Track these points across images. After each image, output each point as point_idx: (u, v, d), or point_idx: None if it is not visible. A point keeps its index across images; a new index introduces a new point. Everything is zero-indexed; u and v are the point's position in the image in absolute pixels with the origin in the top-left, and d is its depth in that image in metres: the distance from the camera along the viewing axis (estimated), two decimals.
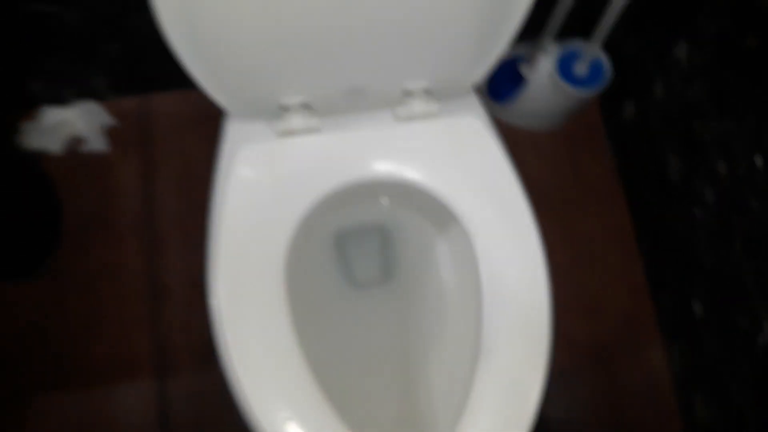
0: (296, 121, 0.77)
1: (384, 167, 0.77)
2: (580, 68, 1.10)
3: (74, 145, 1.26)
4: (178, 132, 1.29)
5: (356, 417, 0.71)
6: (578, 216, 1.27)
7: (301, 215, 0.75)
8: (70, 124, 1.25)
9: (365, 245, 0.99)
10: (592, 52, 1.08)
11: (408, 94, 0.78)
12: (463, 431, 0.65)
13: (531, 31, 0.94)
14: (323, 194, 0.76)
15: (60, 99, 1.23)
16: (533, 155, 1.29)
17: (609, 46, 1.10)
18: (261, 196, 0.75)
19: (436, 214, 0.82)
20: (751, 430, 0.94)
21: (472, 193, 0.76)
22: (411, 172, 0.77)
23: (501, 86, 1.21)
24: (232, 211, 0.74)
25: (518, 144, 0.91)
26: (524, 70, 1.15)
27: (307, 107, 0.77)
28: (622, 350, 1.19)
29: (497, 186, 0.76)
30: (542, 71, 1.12)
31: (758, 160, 0.84)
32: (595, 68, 1.11)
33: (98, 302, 1.19)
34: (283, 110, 0.77)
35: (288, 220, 0.74)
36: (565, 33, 1.09)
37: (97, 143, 1.27)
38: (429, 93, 0.78)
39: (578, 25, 1.08)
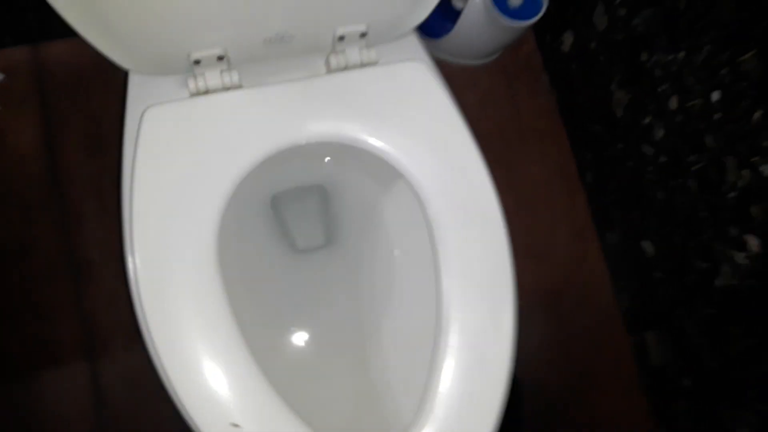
0: (211, 77, 0.66)
1: (318, 125, 0.68)
2: None
3: None
4: (80, 85, 1.14)
5: (305, 400, 0.65)
6: (520, 157, 1.22)
7: (227, 185, 0.65)
8: None
9: (304, 207, 0.91)
10: None
11: (341, 40, 0.68)
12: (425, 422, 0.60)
13: None
14: (250, 161, 0.66)
15: None
16: (471, 94, 1.22)
17: None
18: (176, 166, 0.64)
19: (381, 171, 0.74)
20: (706, 371, 0.95)
21: (420, 148, 0.68)
22: (350, 129, 0.68)
23: (433, 21, 1.11)
24: (145, 184, 0.63)
25: (454, 82, 0.84)
26: (457, 2, 1.06)
27: (223, 60, 0.66)
28: (571, 294, 1.17)
29: (447, 139, 0.68)
30: (476, 2, 1.04)
31: (715, 95, 0.79)
32: None
33: (10, 287, 1.07)
34: (195, 65, 0.65)
35: (212, 191, 0.65)
36: None
37: None
38: (365, 38, 0.68)
39: None
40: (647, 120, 0.98)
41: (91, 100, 1.13)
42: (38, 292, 1.08)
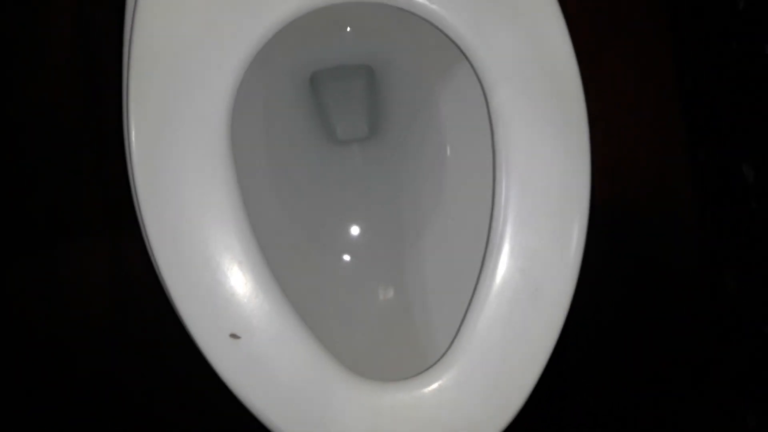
0: None
1: None
2: None
3: None
4: None
5: (325, 312, 0.55)
6: (609, 50, 1.04)
7: (246, 45, 0.53)
8: None
9: (347, 89, 0.77)
10: None
11: None
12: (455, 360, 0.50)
13: None
14: (278, 18, 0.53)
15: None
16: None
17: None
18: (187, 12, 0.52)
19: (439, 48, 0.60)
20: None
21: (491, 20, 0.53)
22: None
23: None
24: (147, 33, 0.52)
25: None
26: None
27: None
28: (648, 215, 1.03)
29: (532, 20, 0.53)
30: None
31: None
32: None
33: (31, 151, 1.00)
34: None
35: (228, 51, 0.52)
36: None
37: None
38: None
39: None
40: None
41: None
42: (63, 159, 1.01)
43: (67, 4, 1.02)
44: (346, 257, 0.70)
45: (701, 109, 0.99)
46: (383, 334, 0.62)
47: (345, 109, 0.78)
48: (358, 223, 0.72)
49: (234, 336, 0.50)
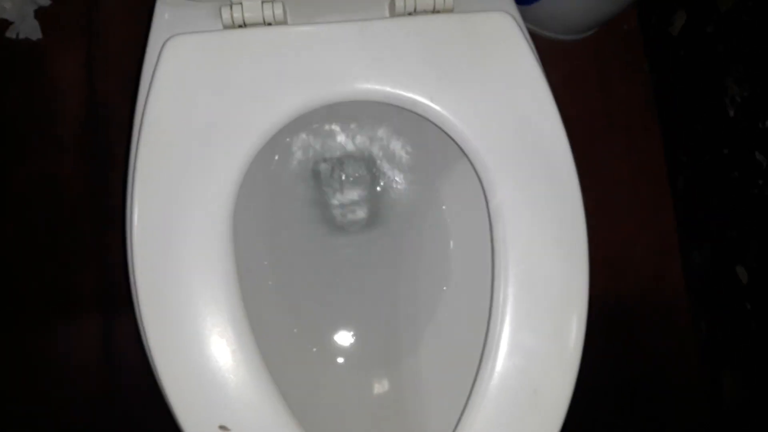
0: (250, 7, 0.55)
1: (371, 80, 0.55)
2: None
3: None
4: (130, 14, 1.05)
5: (317, 405, 0.54)
6: (604, 151, 1.07)
7: (253, 138, 0.54)
8: None
9: (348, 177, 0.79)
10: None
11: None
12: None
13: None
14: (284, 114, 0.54)
15: None
16: (557, 71, 1.06)
17: None
18: (195, 108, 0.53)
19: (441, 145, 0.61)
20: None
21: (493, 123, 0.55)
22: (410, 89, 0.56)
23: None
24: (156, 125, 0.53)
25: (539, 56, 0.71)
26: None
27: None
28: (643, 313, 1.02)
29: (530, 118, 0.54)
30: None
31: None
32: None
33: (36, 229, 1.00)
34: None
35: (235, 143, 0.54)
36: None
37: (28, 28, 1.03)
38: None
39: None
40: (767, 123, 0.81)
41: (140, 31, 1.04)
42: (64, 236, 1.01)
43: (78, 80, 1.04)
44: (340, 359, 0.68)
45: (694, 210, 1.01)
46: (376, 421, 0.60)
47: (344, 195, 0.79)
48: (354, 325, 0.71)
49: (224, 429, 0.49)
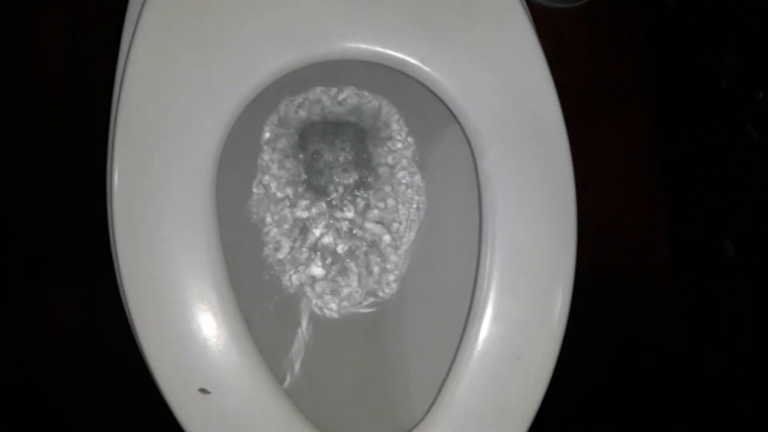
0: None
1: (364, 38, 0.54)
2: None
3: None
4: None
5: (299, 370, 0.54)
6: (596, 122, 1.06)
7: (238, 95, 0.52)
8: None
9: (334, 144, 0.77)
10: None
11: None
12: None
13: None
14: (272, 69, 0.53)
15: None
16: (550, 39, 1.05)
17: None
18: (179, 62, 0.52)
19: (429, 109, 0.60)
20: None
21: (484, 86, 0.54)
22: (399, 47, 0.54)
23: None
24: (138, 80, 0.51)
25: (533, 22, 0.69)
26: None
27: None
28: (628, 285, 1.03)
29: (522, 83, 0.53)
30: None
31: None
32: None
33: (12, 191, 0.98)
34: None
35: (219, 99, 0.52)
36: None
37: None
38: None
39: None
40: (760, 95, 0.81)
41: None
42: (43, 201, 0.99)
43: (61, 44, 1.02)
44: (320, 309, 0.68)
45: (684, 183, 1.00)
46: (359, 397, 0.60)
47: (332, 162, 0.78)
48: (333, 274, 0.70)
49: (204, 391, 0.48)
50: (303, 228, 0.70)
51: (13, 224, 0.99)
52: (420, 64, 0.54)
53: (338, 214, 0.71)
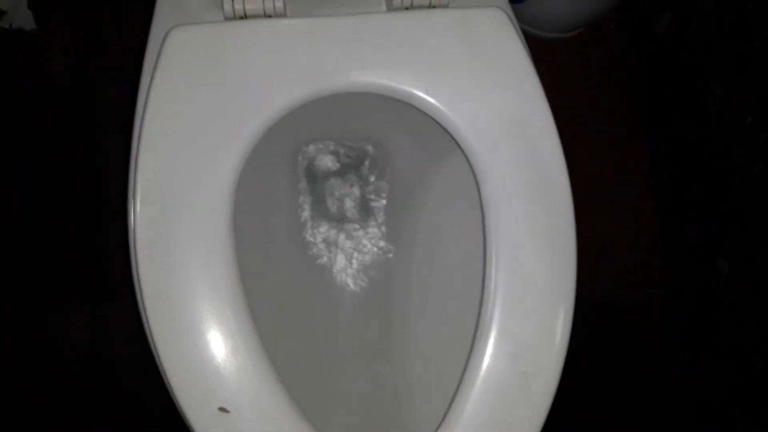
0: None
1: (367, 72, 0.57)
2: None
3: None
4: (124, 4, 1.05)
5: (312, 390, 0.55)
6: (589, 147, 1.09)
7: (253, 128, 0.55)
8: None
9: (342, 170, 0.80)
10: None
11: None
12: None
13: None
14: (283, 105, 0.56)
15: None
16: (544, 69, 1.09)
17: None
18: (197, 98, 0.55)
19: (434, 138, 0.63)
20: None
21: (485, 116, 0.57)
22: (404, 81, 0.57)
23: None
24: (158, 115, 0.54)
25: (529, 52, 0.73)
26: None
27: None
28: (623, 305, 1.05)
29: (522, 113, 0.56)
30: None
31: None
32: None
33: (30, 218, 1.01)
34: None
35: (235, 133, 0.55)
36: None
37: (21, 18, 1.03)
38: None
39: None
40: (748, 120, 0.84)
41: (134, 27, 1.05)
42: (53, 225, 1.01)
43: (71, 70, 1.05)
44: (330, 335, 0.70)
45: (676, 205, 1.03)
46: (370, 415, 0.62)
47: (340, 189, 0.81)
48: (343, 303, 0.73)
49: (223, 410, 0.50)
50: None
51: (23, 246, 1.00)
52: (425, 96, 0.57)
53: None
